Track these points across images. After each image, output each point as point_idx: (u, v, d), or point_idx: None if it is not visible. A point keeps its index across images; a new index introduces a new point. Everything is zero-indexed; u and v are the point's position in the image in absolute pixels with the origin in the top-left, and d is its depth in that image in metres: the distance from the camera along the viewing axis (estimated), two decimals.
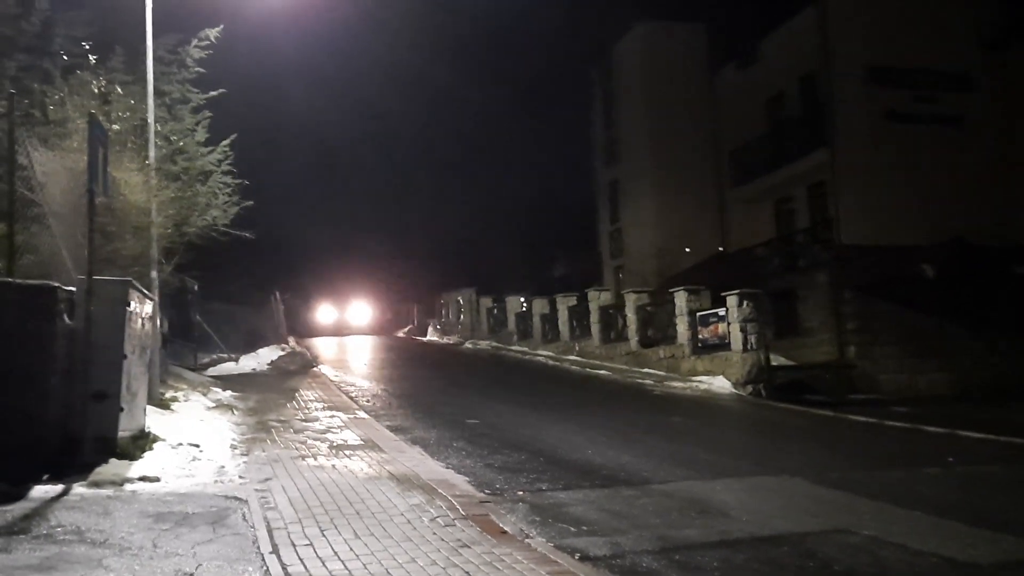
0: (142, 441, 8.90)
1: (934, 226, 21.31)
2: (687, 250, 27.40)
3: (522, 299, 29.95)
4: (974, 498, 8.34)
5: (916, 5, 22.35)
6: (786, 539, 6.61)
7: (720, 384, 17.39)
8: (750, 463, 9.88)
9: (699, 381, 17.92)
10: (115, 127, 11.57)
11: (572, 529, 6.79)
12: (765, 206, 26.51)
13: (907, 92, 22.34)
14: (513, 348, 27.86)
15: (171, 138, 13.33)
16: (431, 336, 37.52)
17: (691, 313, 19.43)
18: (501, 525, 6.63)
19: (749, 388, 16.89)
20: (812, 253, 23.07)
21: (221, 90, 13.72)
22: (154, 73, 12.32)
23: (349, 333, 32.83)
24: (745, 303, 17.75)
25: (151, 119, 12.07)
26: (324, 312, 32.90)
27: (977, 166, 22.16)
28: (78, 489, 7.11)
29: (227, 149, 14.00)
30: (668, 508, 7.55)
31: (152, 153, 12.06)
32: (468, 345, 30.47)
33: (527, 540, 6.27)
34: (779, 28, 24.99)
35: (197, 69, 13.46)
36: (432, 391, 16.89)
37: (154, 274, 11.93)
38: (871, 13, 22.32)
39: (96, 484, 7.31)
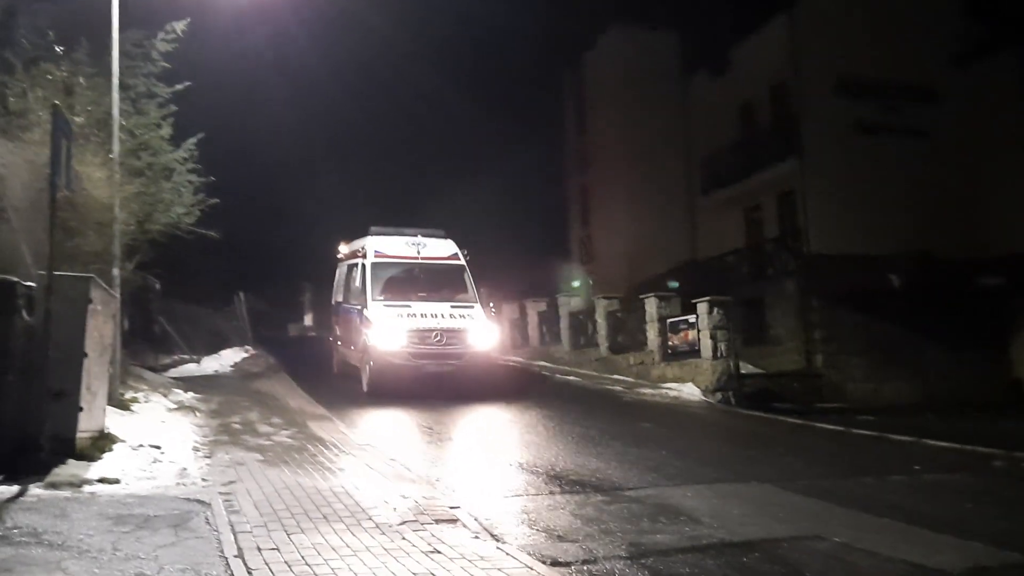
0: (101, 442, 8.67)
1: (902, 237, 21.59)
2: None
3: (491, 304, 29.89)
4: (941, 505, 8.39)
5: (884, 18, 22.65)
6: (757, 545, 6.57)
7: (689, 391, 17.41)
8: (720, 470, 9.86)
9: (669, 388, 17.93)
10: (78, 120, 11.29)
11: (544, 535, 6.70)
12: (735, 214, 26.71)
13: (875, 103, 22.64)
14: None
15: (135, 132, 13.05)
16: None
17: (661, 319, 19.44)
18: (473, 530, 6.52)
19: (718, 395, 16.93)
20: (781, 262, 23.29)
21: (187, 83, 13.47)
22: (119, 66, 12.05)
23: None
24: (715, 310, 17.79)
25: (116, 112, 11.80)
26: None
27: (944, 178, 22.51)
28: (35, 490, 6.87)
29: (193, 148, 13.76)
30: (639, 514, 7.49)
31: (116, 147, 11.78)
32: None
33: (499, 546, 6.17)
34: (750, 37, 25.22)
35: (163, 63, 13.20)
36: (397, 397, 16.68)
37: (116, 271, 11.65)
38: (840, 24, 22.60)
39: (53, 485, 7.08)
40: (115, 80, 11.86)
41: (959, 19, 23.51)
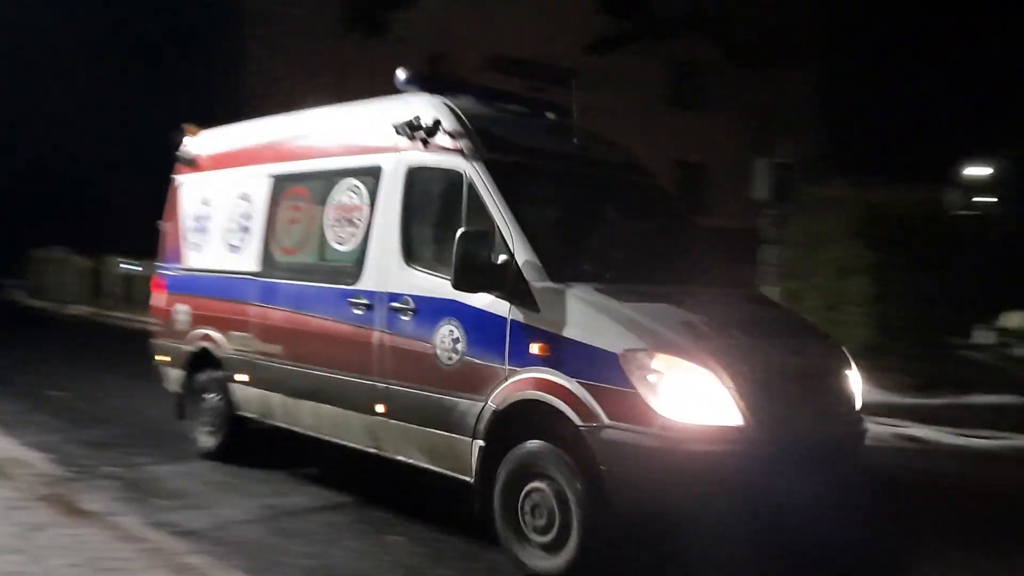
0: None
1: None
2: None
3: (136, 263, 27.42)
4: None
5: (534, 4, 24.19)
6: None
7: None
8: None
9: None
10: None
11: (169, 504, 6.37)
12: None
13: (521, 82, 24.14)
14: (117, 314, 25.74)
15: None
16: None
17: None
18: (84, 505, 5.97)
19: None
20: None
21: None
22: None
23: None
24: None
25: None
26: None
27: None
28: None
29: None
30: (279, 478, 7.34)
31: None
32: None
33: (115, 518, 5.73)
34: (413, 5, 25.52)
35: None
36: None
37: None
38: (490, 5, 23.70)
39: None
40: None
41: (595, 13, 25.77)
